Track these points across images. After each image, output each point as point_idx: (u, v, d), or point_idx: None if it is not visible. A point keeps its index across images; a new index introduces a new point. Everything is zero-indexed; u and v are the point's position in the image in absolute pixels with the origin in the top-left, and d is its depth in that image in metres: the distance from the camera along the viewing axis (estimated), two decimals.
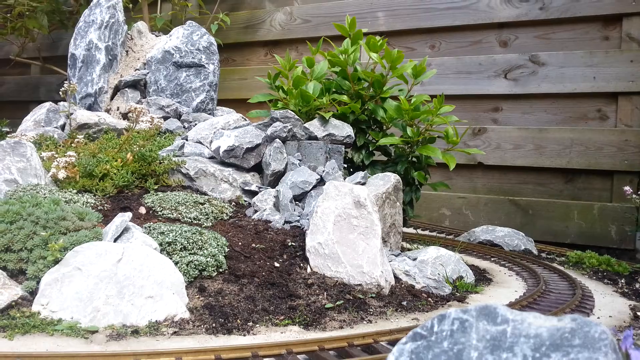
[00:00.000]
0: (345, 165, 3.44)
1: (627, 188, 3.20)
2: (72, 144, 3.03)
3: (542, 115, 4.80)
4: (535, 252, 3.86)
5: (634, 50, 4.39)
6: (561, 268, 3.21)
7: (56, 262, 1.88)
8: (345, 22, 3.49)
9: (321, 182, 2.91)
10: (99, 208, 2.44)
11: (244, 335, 1.76)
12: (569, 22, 4.68)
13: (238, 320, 1.84)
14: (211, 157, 3.12)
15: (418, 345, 0.87)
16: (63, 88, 3.23)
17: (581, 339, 0.77)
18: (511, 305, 2.19)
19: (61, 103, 3.59)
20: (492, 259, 3.43)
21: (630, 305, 2.49)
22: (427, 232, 4.45)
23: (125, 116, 3.58)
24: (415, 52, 5.31)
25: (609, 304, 2.48)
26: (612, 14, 4.48)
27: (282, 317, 1.91)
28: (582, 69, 4.57)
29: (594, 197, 4.45)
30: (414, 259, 2.63)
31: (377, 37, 3.41)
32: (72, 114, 3.35)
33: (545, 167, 4.73)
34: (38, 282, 1.86)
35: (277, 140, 3.04)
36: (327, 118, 3.19)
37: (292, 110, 3.25)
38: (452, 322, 0.87)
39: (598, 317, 2.22)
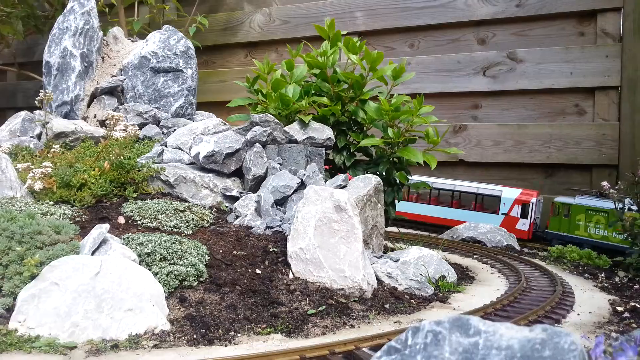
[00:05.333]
0: (327, 167, 3.44)
1: (604, 183, 3.24)
2: (49, 154, 2.99)
3: (521, 111, 4.85)
4: (517, 247, 3.89)
5: (609, 45, 4.45)
6: (542, 264, 3.24)
7: (33, 277, 1.85)
8: (324, 24, 3.48)
9: (302, 185, 2.90)
10: (76, 219, 2.41)
11: (226, 345, 1.75)
12: (545, 18, 4.73)
13: (219, 331, 1.83)
14: (191, 163, 3.10)
15: (392, 359, 0.87)
16: (39, 97, 3.17)
17: (551, 350, 0.77)
18: (492, 304, 2.21)
19: (37, 112, 3.54)
20: (475, 256, 3.46)
21: (609, 300, 2.52)
22: (410, 230, 4.47)
23: (102, 123, 3.54)
24: (394, 51, 5.33)
25: (589, 299, 2.51)
26: (587, 10, 4.54)
27: (264, 326, 1.90)
28: (559, 65, 4.62)
29: (574, 191, 4.50)
30: (396, 260, 2.64)
31: (355, 38, 3.41)
32: (48, 122, 3.30)
33: (526, 163, 4.78)
34: (14, 299, 1.83)
35: (257, 144, 3.03)
36: (306, 121, 3.18)
37: (271, 114, 3.24)
38: (426, 335, 0.87)
39: (578, 314, 2.24)
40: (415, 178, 4.54)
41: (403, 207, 4.56)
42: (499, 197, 4.22)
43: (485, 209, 4.36)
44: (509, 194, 4.20)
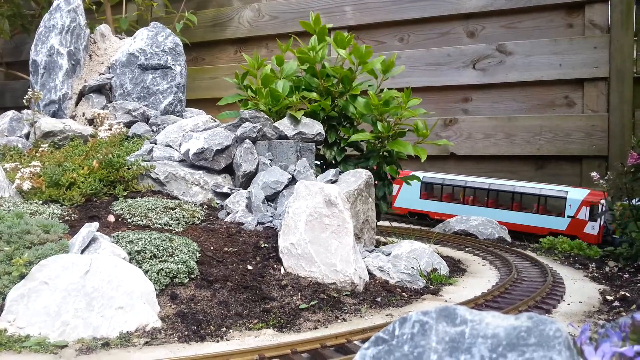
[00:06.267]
0: (318, 163, 3.44)
1: (594, 174, 3.26)
2: (37, 153, 2.96)
3: (511, 103, 4.87)
4: (509, 239, 3.91)
5: (597, 36, 4.47)
6: (533, 255, 3.26)
7: (22, 277, 1.84)
8: (310, 19, 3.47)
9: (293, 181, 2.90)
10: (65, 218, 2.39)
11: (217, 341, 1.74)
12: (533, 10, 4.75)
13: (211, 327, 1.82)
14: (181, 161, 3.08)
15: (380, 349, 0.87)
16: (27, 96, 3.15)
17: (536, 337, 0.77)
18: (483, 295, 2.22)
19: (25, 111, 3.51)
20: (467, 249, 3.47)
21: (600, 289, 2.54)
22: (402, 224, 4.48)
23: (91, 122, 3.52)
24: (384, 45, 5.33)
25: (579, 289, 2.53)
26: (575, 1, 4.56)
27: (256, 321, 1.90)
28: (548, 57, 4.64)
29: (565, 182, 4.53)
30: (388, 254, 2.64)
31: (345, 33, 3.41)
32: (36, 122, 3.27)
33: (516, 155, 4.80)
34: (4, 299, 1.82)
35: (247, 140, 3.02)
36: (298, 117, 3.17)
37: (262, 110, 3.23)
38: (413, 325, 0.87)
39: (568, 304, 2.26)
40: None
41: (457, 209, 4.32)
42: (564, 199, 3.88)
43: (549, 212, 4.01)
44: (576, 194, 3.86)
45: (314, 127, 3.19)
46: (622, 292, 2.44)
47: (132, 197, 2.71)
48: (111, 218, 2.48)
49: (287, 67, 3.45)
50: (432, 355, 0.83)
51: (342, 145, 3.40)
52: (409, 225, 4.42)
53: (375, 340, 0.89)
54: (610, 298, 2.36)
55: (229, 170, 3.08)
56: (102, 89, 3.72)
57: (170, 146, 3.19)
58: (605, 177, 3.27)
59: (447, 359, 0.81)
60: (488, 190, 4.26)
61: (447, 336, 0.84)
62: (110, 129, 2.73)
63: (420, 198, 4.52)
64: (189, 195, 2.87)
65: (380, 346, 0.88)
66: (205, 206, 2.81)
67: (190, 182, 2.90)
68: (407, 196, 4.57)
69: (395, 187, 4.51)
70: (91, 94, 3.67)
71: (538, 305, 2.17)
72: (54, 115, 3.55)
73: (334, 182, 2.84)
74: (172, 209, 2.60)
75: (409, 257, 2.67)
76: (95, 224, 2.07)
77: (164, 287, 2.01)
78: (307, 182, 2.44)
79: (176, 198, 2.83)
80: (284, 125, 3.16)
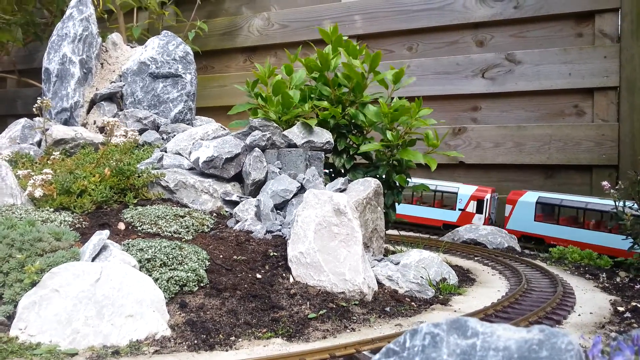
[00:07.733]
0: (327, 171, 3.45)
1: (604, 183, 3.24)
2: (49, 161, 2.99)
3: (521, 112, 4.86)
4: (518, 249, 3.89)
5: (607, 46, 4.46)
6: (543, 265, 3.24)
7: (33, 284, 1.85)
8: (324, 27, 3.48)
9: (302, 189, 2.90)
10: (77, 226, 2.41)
11: (227, 350, 1.75)
12: (543, 20, 4.74)
13: (220, 335, 1.83)
14: (191, 169, 3.10)
15: None
16: (36, 104, 3.18)
17: (548, 350, 0.77)
18: (493, 306, 2.20)
19: (37, 119, 3.54)
20: (476, 258, 3.46)
21: (610, 300, 2.52)
22: (411, 233, 4.47)
23: (102, 130, 3.55)
24: (393, 54, 5.34)
25: (590, 300, 2.51)
26: (585, 10, 4.56)
27: (265, 330, 1.90)
28: (558, 66, 4.63)
29: (575, 192, 4.50)
30: (397, 263, 2.64)
31: (355, 42, 3.42)
32: (47, 129, 3.30)
33: (526, 164, 4.79)
34: (15, 306, 1.83)
35: (257, 149, 3.03)
36: (312, 124, 3.17)
37: (271, 119, 3.24)
38: (424, 337, 0.87)
39: (579, 315, 2.24)
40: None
41: (576, 234, 3.83)
42: None
43: None
44: None
45: (323, 136, 3.20)
46: (634, 303, 2.42)
47: (142, 205, 2.73)
48: (121, 226, 2.49)
49: (296, 77, 3.47)
50: None
51: (351, 153, 3.41)
52: (417, 234, 4.41)
53: (386, 351, 0.89)
54: (621, 309, 2.34)
55: (238, 178, 3.09)
56: (113, 97, 3.75)
57: (180, 154, 3.21)
58: (617, 187, 3.25)
59: None
60: (611, 213, 3.51)
61: (459, 349, 0.83)
62: (125, 135, 2.76)
63: (534, 220, 4.05)
64: (199, 203, 2.88)
65: (391, 358, 0.88)
66: (214, 214, 2.82)
67: (199, 190, 2.92)
68: (521, 217, 4.11)
69: (508, 207, 4.16)
70: (102, 102, 3.70)
71: (548, 316, 2.15)
72: (66, 122, 3.58)
73: (342, 190, 2.85)
74: (182, 217, 2.62)
75: (418, 266, 2.66)
76: (106, 232, 2.08)
77: (173, 296, 2.02)
78: (316, 191, 2.45)
79: (186, 206, 2.85)
80: (293, 133, 3.17)
